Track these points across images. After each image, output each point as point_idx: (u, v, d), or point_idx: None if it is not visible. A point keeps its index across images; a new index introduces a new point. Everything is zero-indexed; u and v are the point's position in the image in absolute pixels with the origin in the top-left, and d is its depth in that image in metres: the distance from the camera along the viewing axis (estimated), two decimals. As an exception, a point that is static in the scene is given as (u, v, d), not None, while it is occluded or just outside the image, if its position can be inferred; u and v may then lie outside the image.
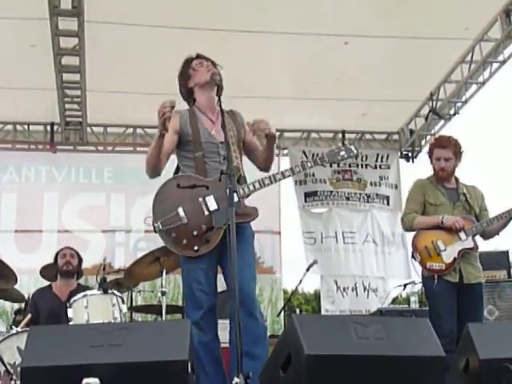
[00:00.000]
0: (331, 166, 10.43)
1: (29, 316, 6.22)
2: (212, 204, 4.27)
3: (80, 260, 7.08)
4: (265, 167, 4.61)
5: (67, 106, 9.09)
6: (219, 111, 4.42)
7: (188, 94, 4.59)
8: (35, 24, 7.23)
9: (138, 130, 10.18)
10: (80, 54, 7.65)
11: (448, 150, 5.64)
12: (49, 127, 9.89)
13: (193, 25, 6.73)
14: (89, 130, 9.91)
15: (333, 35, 7.82)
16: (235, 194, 3.94)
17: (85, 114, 9.27)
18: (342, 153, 4.57)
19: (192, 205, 4.28)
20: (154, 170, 4.42)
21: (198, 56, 4.59)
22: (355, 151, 4.59)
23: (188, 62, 4.55)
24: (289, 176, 4.47)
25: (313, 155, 10.28)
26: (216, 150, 4.39)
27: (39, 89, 8.61)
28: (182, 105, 4.54)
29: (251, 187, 4.32)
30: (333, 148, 4.65)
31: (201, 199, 4.28)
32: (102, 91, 8.69)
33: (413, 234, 5.72)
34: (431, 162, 5.72)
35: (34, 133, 10.01)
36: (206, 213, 4.26)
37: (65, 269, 6.86)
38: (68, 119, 9.53)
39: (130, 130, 10.19)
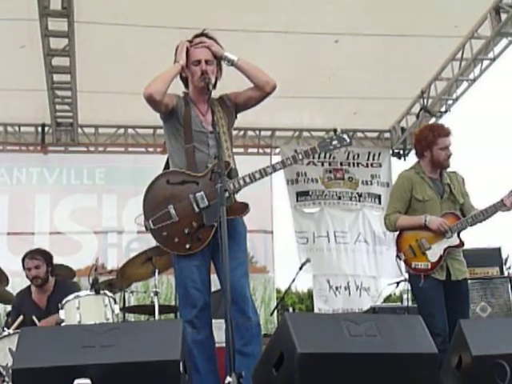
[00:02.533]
0: (323, 165, 10.48)
1: (21, 317, 6.16)
2: (202, 201, 4.24)
3: (48, 259, 6.71)
4: (261, 85, 4.41)
5: (58, 106, 9.08)
6: (209, 102, 4.36)
7: (182, 78, 4.55)
8: (25, 25, 7.22)
9: (130, 131, 10.17)
10: (70, 54, 7.64)
11: (451, 136, 5.55)
12: (40, 128, 9.85)
13: (181, 24, 6.68)
14: (80, 130, 9.90)
15: (323, 34, 7.82)
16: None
17: (76, 114, 9.26)
18: (335, 142, 4.51)
19: (182, 202, 4.25)
20: (160, 88, 4.24)
21: (201, 34, 4.50)
22: (348, 140, 4.53)
23: (187, 49, 4.42)
24: (280, 169, 4.41)
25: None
26: (206, 139, 4.35)
27: (29, 90, 8.57)
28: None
29: (241, 182, 4.28)
30: (324, 138, 4.57)
31: (191, 196, 4.25)
32: (93, 92, 8.68)
33: (396, 233, 5.64)
34: (431, 152, 5.50)
35: (25, 134, 9.97)
36: (197, 210, 4.24)
37: (34, 283, 6.61)
38: (59, 120, 9.52)
39: (122, 131, 10.16)
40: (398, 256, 5.52)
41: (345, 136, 4.55)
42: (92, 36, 7.51)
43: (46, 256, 6.75)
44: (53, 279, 6.72)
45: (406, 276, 5.70)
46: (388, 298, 10.11)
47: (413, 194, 5.49)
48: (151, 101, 4.24)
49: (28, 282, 6.83)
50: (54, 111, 9.18)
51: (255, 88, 4.46)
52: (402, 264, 5.51)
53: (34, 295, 6.65)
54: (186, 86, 4.54)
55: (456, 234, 5.40)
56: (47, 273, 6.65)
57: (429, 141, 5.54)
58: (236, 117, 4.58)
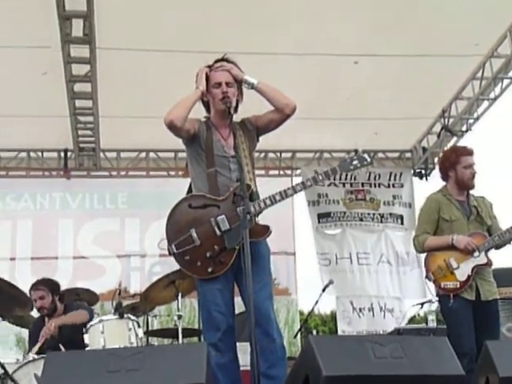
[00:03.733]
0: (344, 186, 10.46)
1: (38, 344, 6.13)
2: (224, 224, 4.24)
3: (53, 288, 6.70)
4: (281, 107, 4.42)
5: (80, 132, 9.15)
6: (231, 126, 4.40)
7: (204, 103, 4.58)
8: (47, 52, 7.29)
9: (151, 154, 10.22)
10: (92, 80, 7.70)
11: (473, 156, 5.59)
12: (62, 154, 9.93)
13: (201, 48, 6.73)
14: (102, 155, 9.96)
15: (342, 55, 7.83)
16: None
17: (98, 139, 9.32)
18: (355, 162, 4.52)
19: (204, 226, 4.26)
20: (181, 115, 4.27)
21: (222, 59, 4.54)
22: (369, 159, 4.54)
23: (206, 75, 4.46)
24: (300, 190, 4.39)
25: (326, 175, 10.29)
26: (227, 164, 4.37)
27: (52, 116, 8.65)
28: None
29: (262, 204, 4.28)
30: (345, 158, 4.61)
31: (212, 219, 4.25)
32: (115, 116, 8.75)
33: (425, 254, 5.66)
34: (455, 172, 5.57)
35: (48, 160, 10.06)
36: (218, 233, 4.24)
37: (41, 313, 6.63)
38: (81, 145, 9.58)
39: (143, 155, 10.22)
40: (427, 276, 5.54)
41: (365, 156, 4.56)
42: (113, 62, 7.58)
43: (50, 285, 6.74)
44: (62, 306, 6.70)
45: (432, 297, 5.67)
46: (412, 320, 10.03)
47: (440, 214, 5.52)
48: (172, 127, 4.26)
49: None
50: (76, 136, 9.25)
51: (275, 110, 4.47)
52: (432, 285, 5.51)
53: (46, 321, 6.60)
54: (208, 110, 4.57)
55: (484, 253, 5.39)
56: (53, 302, 6.62)
57: (452, 161, 5.59)
58: (258, 140, 4.59)
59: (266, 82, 4.50)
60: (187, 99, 4.38)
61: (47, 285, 6.73)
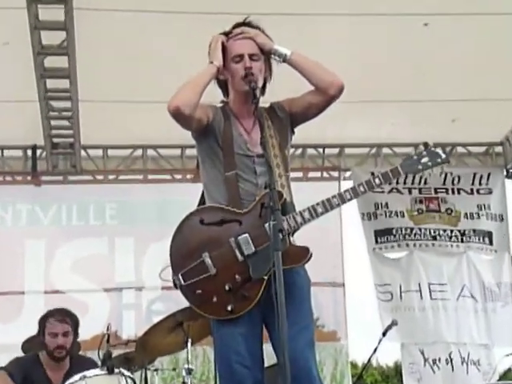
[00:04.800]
0: (410, 192, 10.46)
1: None
2: (247, 246, 4.23)
3: (76, 326, 6.85)
4: (324, 86, 4.40)
5: (53, 122, 9.20)
6: (257, 114, 4.37)
7: (220, 83, 4.60)
8: (9, 15, 7.32)
9: (149, 152, 10.30)
10: (69, 52, 7.74)
11: None
12: (30, 152, 10.01)
13: (217, 9, 6.75)
14: (83, 153, 10.03)
15: (408, 15, 7.81)
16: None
17: (77, 132, 9.36)
18: (424, 159, 4.51)
19: (221, 248, 4.25)
20: (190, 100, 4.25)
21: (243, 24, 4.56)
22: (444, 156, 4.53)
23: (223, 45, 4.46)
24: (350, 199, 4.35)
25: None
26: (252, 165, 4.38)
27: (15, 101, 8.73)
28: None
29: (299, 219, 4.26)
30: (411, 155, 4.59)
31: (232, 240, 4.25)
32: (100, 101, 8.79)
33: None
34: None
35: (10, 160, 10.15)
36: (241, 258, 4.23)
37: (57, 355, 6.68)
38: (55, 140, 9.63)
39: (139, 152, 10.29)
40: None
41: (439, 151, 4.55)
42: (97, 27, 7.60)
43: (75, 322, 6.88)
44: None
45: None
46: (506, 375, 9.99)
47: None
48: (178, 116, 4.26)
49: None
50: (48, 128, 9.29)
51: (316, 91, 4.47)
52: None
53: (46, 365, 6.72)
54: (226, 93, 4.58)
55: None
56: (73, 344, 6.76)
57: None
58: (293, 132, 4.60)
59: (304, 52, 4.51)
60: (198, 78, 4.39)
61: (73, 320, 6.86)
